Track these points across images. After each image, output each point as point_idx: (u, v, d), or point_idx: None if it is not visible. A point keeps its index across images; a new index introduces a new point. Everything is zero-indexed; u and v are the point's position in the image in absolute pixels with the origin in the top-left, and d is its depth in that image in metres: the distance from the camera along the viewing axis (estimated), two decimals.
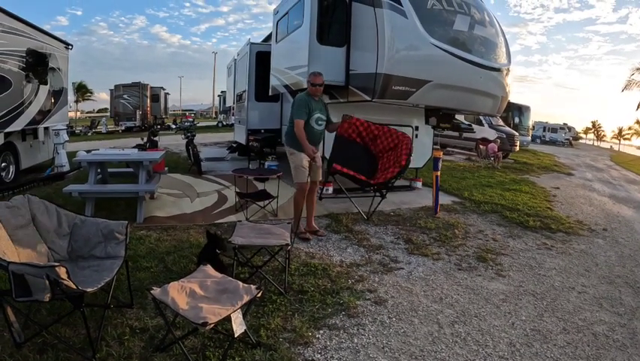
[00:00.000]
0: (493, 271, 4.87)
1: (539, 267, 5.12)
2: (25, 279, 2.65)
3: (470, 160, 16.71)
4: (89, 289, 2.84)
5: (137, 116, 31.94)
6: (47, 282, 2.61)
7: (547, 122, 48.04)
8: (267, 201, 6.53)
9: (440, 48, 6.88)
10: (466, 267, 4.95)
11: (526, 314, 3.88)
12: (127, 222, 3.63)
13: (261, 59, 11.44)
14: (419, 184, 9.46)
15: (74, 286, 2.68)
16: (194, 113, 70.44)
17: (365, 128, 6.75)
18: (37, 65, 9.91)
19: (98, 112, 64.86)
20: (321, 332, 3.38)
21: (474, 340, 3.39)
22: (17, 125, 9.06)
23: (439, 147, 9.72)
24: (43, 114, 10.47)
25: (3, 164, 9.02)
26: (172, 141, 17.59)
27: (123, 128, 31.85)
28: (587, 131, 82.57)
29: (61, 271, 2.60)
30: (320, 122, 5.68)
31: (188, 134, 11.62)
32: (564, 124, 49.42)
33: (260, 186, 7.80)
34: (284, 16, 9.12)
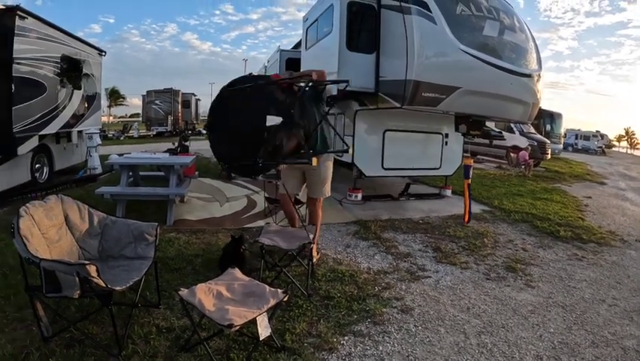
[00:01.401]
0: (522, 282, 4.77)
1: (569, 278, 5.00)
2: (55, 276, 2.72)
3: (501, 168, 16.51)
4: (117, 288, 2.89)
5: (169, 122, 32.48)
6: (77, 279, 2.68)
7: (579, 130, 47.21)
8: (296, 207, 6.56)
9: (469, 54, 6.82)
10: (494, 277, 4.87)
11: (555, 326, 3.80)
12: (157, 224, 3.70)
13: (291, 66, 11.51)
14: (449, 192, 9.41)
15: (104, 285, 2.74)
16: None
17: None
18: (71, 70, 10.15)
19: (130, 117, 66.18)
20: (346, 338, 3.37)
21: (500, 351, 3.33)
22: (52, 129, 9.29)
23: (469, 154, 9.65)
24: (77, 118, 10.72)
25: (37, 165, 9.25)
26: (203, 146, 17.67)
27: (154, 132, 32.40)
28: (620, 138, 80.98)
29: (92, 269, 2.66)
30: None
31: None
32: (597, 131, 48.42)
33: None
34: (313, 23, 9.16)
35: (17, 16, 7.55)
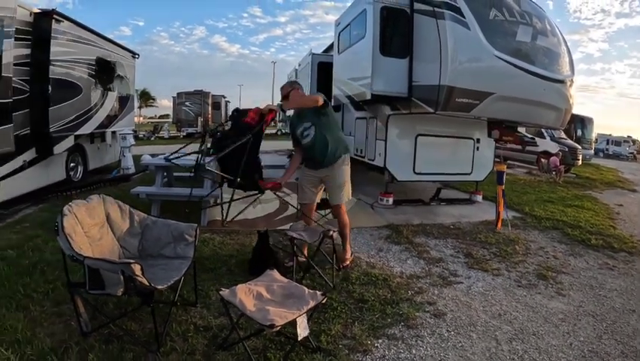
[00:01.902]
0: (553, 290, 4.72)
1: (600, 287, 4.92)
2: (99, 273, 2.80)
3: (531, 174, 16.28)
4: (159, 287, 2.97)
5: (199, 123, 32.85)
6: (122, 278, 2.75)
7: (610, 135, 46.19)
8: (327, 211, 6.60)
9: (503, 60, 6.76)
10: (525, 284, 4.83)
11: (585, 335, 3.75)
12: (197, 225, 3.77)
13: (323, 70, 11.60)
14: (479, 198, 9.33)
15: (147, 283, 2.81)
16: None
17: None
18: (105, 72, 10.43)
19: (159, 118, 67.35)
20: (380, 341, 3.39)
21: (531, 358, 3.31)
22: (86, 129, 9.54)
23: (499, 159, 9.55)
24: (111, 119, 10.99)
25: (72, 164, 9.50)
26: None
27: (184, 133, 32.83)
28: None
29: (136, 268, 2.73)
30: (306, 134, 4.80)
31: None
32: (628, 137, 47.28)
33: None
34: (346, 27, 9.19)
35: (53, 20, 7.80)
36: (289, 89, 4.80)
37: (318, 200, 5.20)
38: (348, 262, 4.96)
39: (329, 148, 4.71)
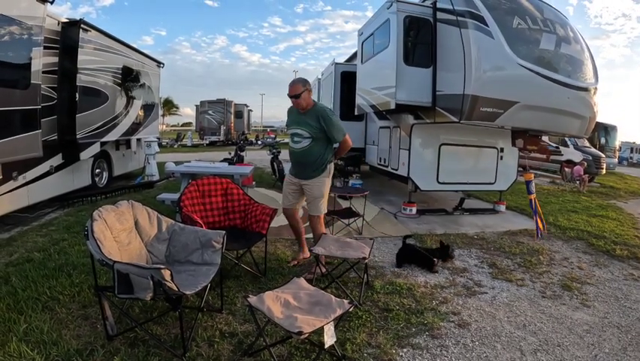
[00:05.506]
0: (577, 301, 4.66)
1: (625, 298, 4.83)
2: (129, 278, 2.84)
3: (554, 183, 16.08)
4: (187, 292, 3.00)
5: (221, 131, 33.29)
6: (151, 282, 2.79)
7: (634, 143, 45.30)
8: (352, 219, 6.61)
9: (527, 68, 6.72)
10: (550, 295, 4.78)
11: (610, 347, 3.69)
12: (224, 232, 3.79)
13: (346, 79, 11.71)
14: (502, 208, 9.27)
15: (176, 289, 2.84)
16: (275, 130, 72.71)
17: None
18: (130, 81, 10.65)
19: (182, 126, 68.23)
20: (405, 350, 3.38)
21: None
22: (112, 136, 9.74)
23: (522, 169, 9.46)
24: (136, 127, 11.20)
25: (97, 170, 9.68)
26: (256, 156, 18.08)
27: (207, 142, 33.36)
28: None
29: (166, 274, 2.77)
30: (296, 140, 4.84)
31: (274, 150, 11.98)
32: None
33: (343, 203, 7.89)
34: (369, 37, 9.24)
35: (81, 29, 7.98)
36: (302, 89, 4.63)
37: (299, 207, 5.32)
38: (296, 261, 5.22)
39: (316, 162, 4.80)
